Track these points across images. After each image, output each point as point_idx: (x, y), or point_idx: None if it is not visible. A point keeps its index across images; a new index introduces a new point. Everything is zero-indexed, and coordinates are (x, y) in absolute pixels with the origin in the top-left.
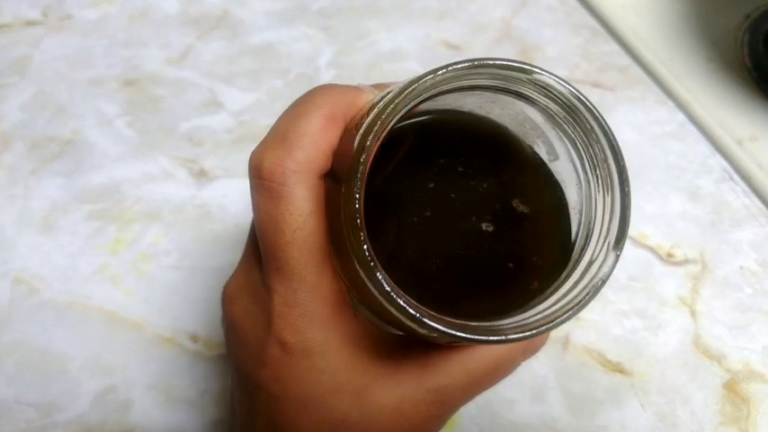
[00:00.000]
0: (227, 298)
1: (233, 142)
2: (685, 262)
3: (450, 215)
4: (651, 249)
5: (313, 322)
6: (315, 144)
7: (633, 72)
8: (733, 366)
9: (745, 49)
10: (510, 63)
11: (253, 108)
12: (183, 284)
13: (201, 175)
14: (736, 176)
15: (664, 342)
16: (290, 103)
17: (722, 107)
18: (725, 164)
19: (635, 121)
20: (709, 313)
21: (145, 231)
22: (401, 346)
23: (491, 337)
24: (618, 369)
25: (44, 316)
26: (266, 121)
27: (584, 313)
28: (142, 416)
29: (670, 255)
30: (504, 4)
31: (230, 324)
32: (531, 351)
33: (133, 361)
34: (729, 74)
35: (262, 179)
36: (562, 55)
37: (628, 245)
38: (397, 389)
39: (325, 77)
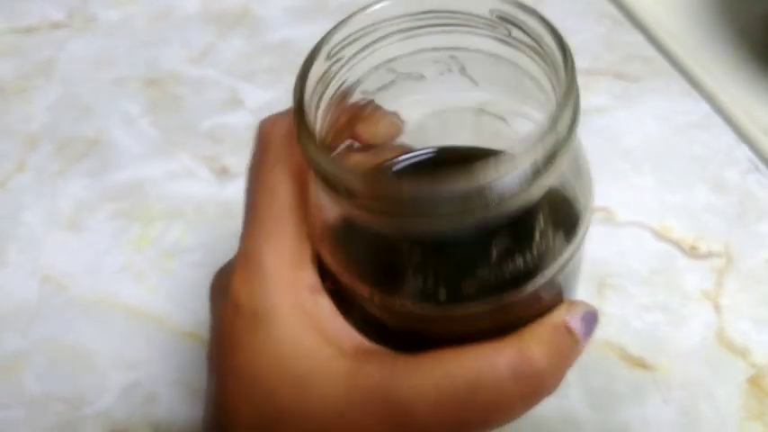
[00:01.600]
0: (213, 284)
1: (253, 140)
2: (709, 255)
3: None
4: (674, 243)
5: (264, 276)
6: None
7: (657, 62)
8: (757, 361)
9: None
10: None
11: (273, 105)
12: (206, 281)
13: (223, 173)
14: (762, 167)
15: (686, 336)
16: None
17: (749, 96)
18: (751, 154)
19: (659, 112)
20: (734, 307)
21: (168, 229)
22: (362, 344)
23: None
24: (639, 364)
25: (72, 313)
26: None
27: (605, 307)
28: (166, 409)
29: (694, 248)
30: None
31: (211, 310)
32: (530, 387)
33: (157, 356)
34: (757, 62)
35: (257, 137)
36: (585, 45)
37: (650, 237)
38: (348, 389)
39: None
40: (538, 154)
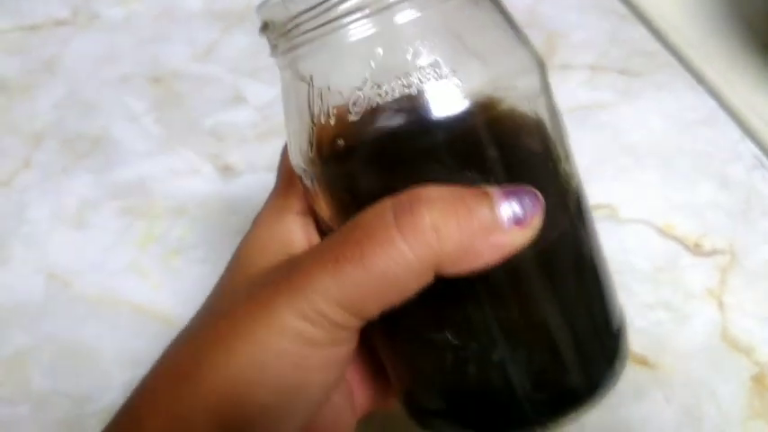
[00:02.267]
0: None
1: (257, 137)
2: (714, 252)
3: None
4: (678, 240)
5: (267, 204)
6: None
7: (662, 57)
8: (762, 359)
9: None
10: None
11: (276, 102)
12: (210, 278)
13: (226, 170)
14: (767, 163)
15: (690, 334)
16: None
17: (755, 91)
18: (756, 150)
19: (663, 108)
20: (738, 305)
21: (172, 226)
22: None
23: None
24: (642, 362)
25: (77, 310)
26: None
27: None
28: None
29: (698, 245)
30: None
31: None
32: (413, 233)
33: (161, 353)
34: (763, 57)
35: None
36: (589, 41)
37: (654, 234)
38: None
39: None
40: None
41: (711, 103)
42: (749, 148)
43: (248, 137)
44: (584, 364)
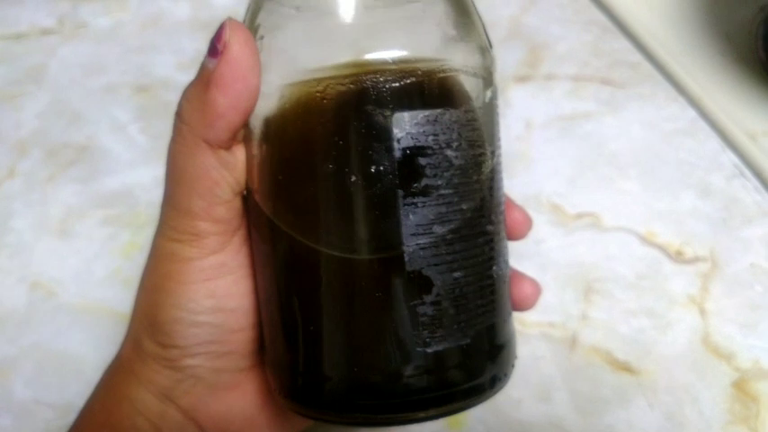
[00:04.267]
0: None
1: None
2: (695, 260)
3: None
4: (660, 248)
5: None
6: None
7: (644, 68)
8: (742, 365)
9: (759, 41)
10: None
11: None
12: None
13: None
14: (747, 172)
15: (672, 341)
16: None
17: (735, 102)
18: (736, 160)
19: (645, 119)
20: (719, 312)
21: None
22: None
23: None
24: (625, 368)
25: (60, 319)
26: None
27: (592, 312)
28: None
29: (679, 253)
30: (512, 1)
31: None
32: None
33: None
34: (743, 68)
35: None
36: (572, 52)
37: (636, 242)
38: None
39: None
40: None
41: (692, 113)
42: (729, 157)
43: None
44: (466, 360)
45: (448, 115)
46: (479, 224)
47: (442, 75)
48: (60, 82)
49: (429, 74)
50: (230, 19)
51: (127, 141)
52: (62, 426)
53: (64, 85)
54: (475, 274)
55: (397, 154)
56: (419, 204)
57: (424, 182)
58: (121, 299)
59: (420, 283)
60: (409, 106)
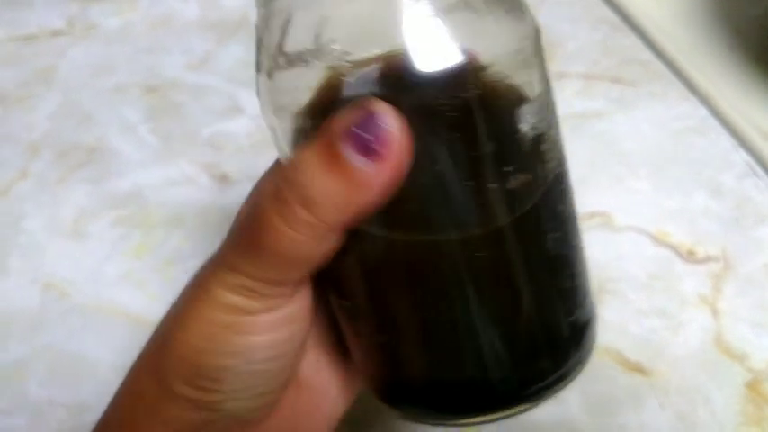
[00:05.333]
0: None
1: (253, 146)
2: (707, 260)
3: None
4: (672, 247)
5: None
6: None
7: (654, 66)
8: (755, 365)
9: None
10: None
11: None
12: None
13: (223, 180)
14: (759, 171)
15: (684, 341)
16: None
17: (746, 99)
18: (748, 158)
19: (656, 117)
20: (732, 312)
21: (168, 236)
22: None
23: None
24: (637, 369)
25: (73, 320)
26: None
27: (603, 312)
28: None
29: (691, 252)
30: None
31: None
32: (284, 205)
33: None
34: (754, 65)
35: None
36: (582, 50)
37: (648, 242)
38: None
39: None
40: None
41: (703, 111)
42: (741, 156)
43: (244, 146)
44: (552, 351)
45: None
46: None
47: None
48: (70, 83)
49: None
50: (378, 104)
51: (137, 142)
52: (75, 426)
53: (74, 87)
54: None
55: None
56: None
57: (550, 168)
58: (133, 299)
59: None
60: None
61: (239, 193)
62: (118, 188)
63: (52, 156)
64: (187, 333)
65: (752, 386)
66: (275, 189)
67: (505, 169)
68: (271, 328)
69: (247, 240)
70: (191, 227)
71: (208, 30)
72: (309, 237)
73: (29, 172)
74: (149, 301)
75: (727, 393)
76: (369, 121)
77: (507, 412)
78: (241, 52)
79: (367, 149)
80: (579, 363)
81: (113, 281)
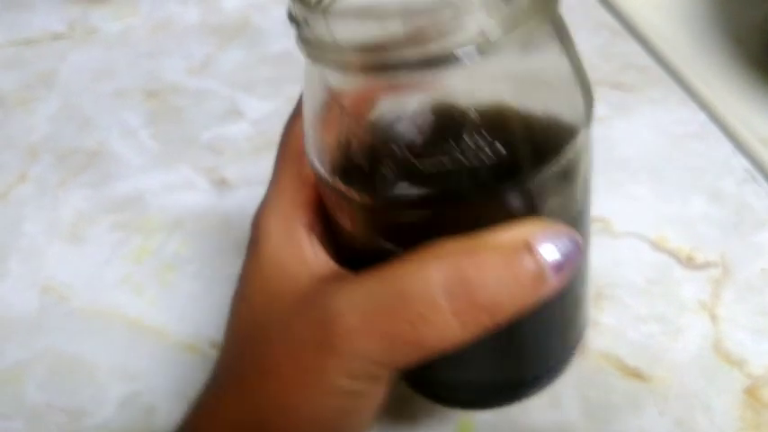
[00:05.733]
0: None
1: (253, 151)
2: (706, 265)
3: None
4: (670, 253)
5: (265, 208)
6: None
7: (654, 72)
8: (754, 371)
9: None
10: None
11: (272, 116)
12: (205, 292)
13: (222, 184)
14: (759, 177)
15: (683, 347)
16: None
17: (746, 105)
18: (747, 164)
19: (656, 123)
20: (731, 317)
21: (168, 240)
22: (337, 273)
23: None
24: (635, 374)
25: (72, 324)
26: None
27: (601, 318)
28: (165, 421)
29: (690, 258)
30: None
31: None
32: (464, 307)
33: (157, 368)
34: (754, 71)
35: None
36: (582, 55)
37: (646, 248)
38: (300, 306)
39: None
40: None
41: (703, 117)
42: (740, 162)
43: (244, 151)
44: (552, 363)
45: None
46: None
47: None
48: (71, 87)
49: None
50: (577, 234)
51: (137, 146)
52: (73, 430)
53: (75, 90)
54: None
55: None
56: None
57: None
58: (132, 304)
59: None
60: None
61: (239, 197)
62: (118, 192)
63: (52, 159)
64: (290, 418)
65: (751, 392)
66: (451, 286)
67: (537, 203)
68: (372, 404)
69: (397, 330)
70: (190, 231)
71: (208, 34)
72: (472, 336)
73: (28, 175)
74: (148, 305)
75: (725, 399)
76: (572, 249)
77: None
78: (241, 56)
79: (559, 268)
80: (570, 359)
81: (112, 285)
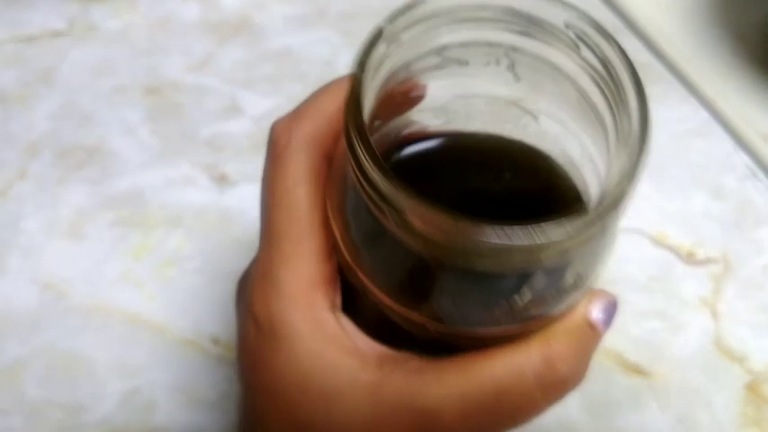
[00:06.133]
0: (237, 292)
1: (253, 147)
2: (707, 262)
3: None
4: (672, 249)
5: (281, 297)
6: (326, 119)
7: (655, 69)
8: (755, 367)
9: None
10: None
11: (272, 113)
12: (205, 288)
13: (222, 181)
14: (760, 174)
15: (684, 343)
16: None
17: (747, 103)
18: (749, 161)
19: (657, 120)
20: (732, 314)
21: (167, 237)
22: (386, 355)
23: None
24: (637, 370)
25: (71, 320)
26: None
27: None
28: (165, 417)
29: (691, 254)
30: None
31: (237, 319)
32: (556, 385)
33: (156, 363)
34: (755, 68)
35: (270, 143)
36: None
37: (648, 244)
38: (374, 400)
39: None
40: (606, 211)
41: (704, 114)
42: (742, 158)
43: (244, 147)
44: None
45: None
46: None
47: None
48: (71, 84)
49: None
50: (611, 296)
51: (137, 142)
52: (72, 426)
53: (74, 87)
54: None
55: None
56: None
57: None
58: (131, 300)
59: None
60: None
61: (238, 193)
62: (117, 189)
63: (52, 156)
64: None
65: (752, 388)
66: (541, 377)
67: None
68: None
69: (496, 424)
70: (190, 227)
71: (208, 31)
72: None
73: (28, 172)
74: (147, 301)
75: (726, 395)
76: (612, 307)
77: None
78: (241, 54)
79: (607, 324)
80: None
81: (112, 281)
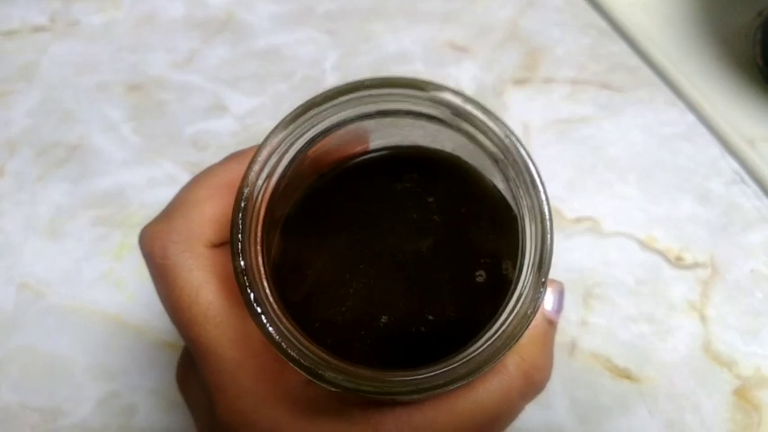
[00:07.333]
0: (179, 379)
1: (237, 146)
2: (695, 266)
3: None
4: (660, 253)
5: (254, 403)
6: (199, 211)
7: (642, 72)
8: (744, 372)
9: (758, 47)
10: (394, 79)
11: (257, 112)
12: None
13: None
14: (747, 178)
15: (672, 347)
16: (295, 106)
17: (734, 107)
18: (736, 165)
19: (644, 123)
20: (720, 318)
21: None
22: (373, 410)
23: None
24: (625, 375)
25: (49, 321)
26: (271, 125)
27: (591, 318)
28: (145, 420)
29: (679, 258)
30: (509, 4)
31: (188, 406)
32: (534, 391)
33: (136, 365)
34: (741, 73)
35: (146, 257)
36: (569, 56)
37: (636, 248)
38: None
39: (331, 80)
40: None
41: (691, 118)
42: (729, 163)
43: (228, 146)
44: None
45: None
46: None
47: None
48: (52, 80)
49: None
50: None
51: (119, 140)
52: (49, 430)
53: (55, 84)
54: None
55: None
56: None
57: None
58: (111, 300)
59: None
60: None
61: None
62: (98, 187)
63: (31, 153)
64: None
65: (740, 393)
66: (523, 392)
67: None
68: None
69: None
70: None
71: (193, 28)
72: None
73: (6, 170)
74: (128, 302)
75: (715, 400)
76: (563, 294)
77: None
78: (226, 51)
79: (558, 311)
80: None
81: (91, 281)
